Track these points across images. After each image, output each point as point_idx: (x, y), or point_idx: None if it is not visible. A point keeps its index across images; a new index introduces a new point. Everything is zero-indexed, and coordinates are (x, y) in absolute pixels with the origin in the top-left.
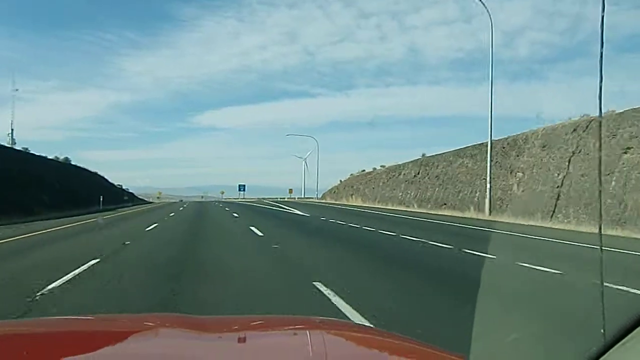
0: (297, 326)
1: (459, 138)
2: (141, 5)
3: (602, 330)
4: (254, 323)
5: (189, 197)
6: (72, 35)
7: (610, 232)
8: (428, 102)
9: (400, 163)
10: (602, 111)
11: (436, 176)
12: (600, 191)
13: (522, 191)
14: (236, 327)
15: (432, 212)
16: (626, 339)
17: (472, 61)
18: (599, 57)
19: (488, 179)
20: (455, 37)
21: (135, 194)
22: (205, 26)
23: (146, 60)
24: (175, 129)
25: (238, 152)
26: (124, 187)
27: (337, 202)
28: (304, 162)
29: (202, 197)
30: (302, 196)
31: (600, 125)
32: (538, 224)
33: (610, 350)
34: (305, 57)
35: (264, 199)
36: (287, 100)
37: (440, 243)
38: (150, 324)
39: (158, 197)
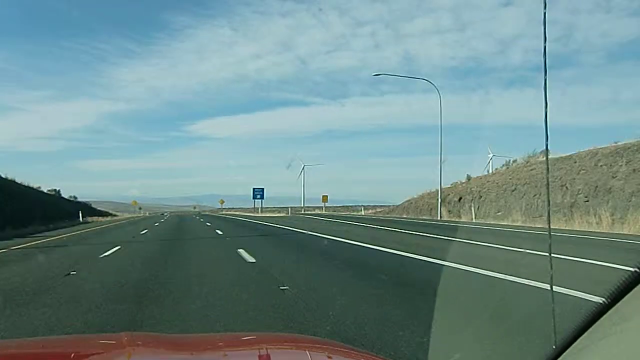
0: (274, 344)
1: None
2: (136, 14)
3: (553, 335)
4: (231, 341)
5: (181, 207)
6: (66, 44)
7: None
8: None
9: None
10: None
11: None
12: (548, 211)
13: None
14: (211, 345)
15: None
16: (576, 342)
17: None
18: (543, 83)
19: None
20: (449, 45)
21: (93, 205)
22: (199, 35)
23: (140, 69)
24: (169, 138)
25: (233, 161)
26: (78, 199)
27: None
28: (302, 170)
29: (194, 207)
30: (302, 206)
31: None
32: None
33: (562, 355)
34: (299, 65)
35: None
36: (282, 109)
37: None
38: (123, 342)
39: (140, 209)
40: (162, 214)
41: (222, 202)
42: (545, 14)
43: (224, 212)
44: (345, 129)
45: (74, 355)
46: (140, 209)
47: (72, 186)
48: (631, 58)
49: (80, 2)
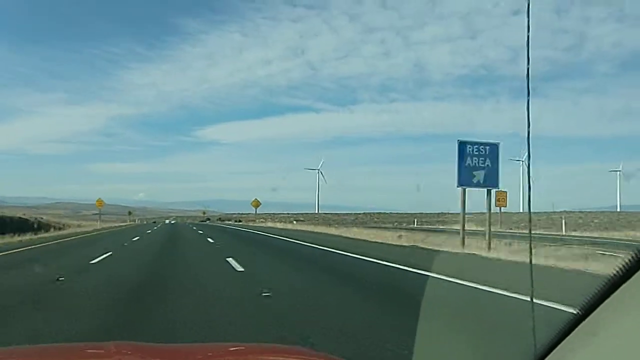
0: (265, 355)
1: None
2: (147, 19)
3: (533, 344)
4: (220, 351)
5: (188, 212)
6: (78, 48)
7: None
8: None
9: None
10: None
11: None
12: (530, 218)
13: None
14: (200, 356)
15: None
16: (553, 353)
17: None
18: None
19: None
20: (460, 53)
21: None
22: (210, 41)
23: (151, 73)
24: (179, 143)
25: (242, 167)
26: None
27: None
28: (318, 173)
29: (203, 212)
30: (317, 212)
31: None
32: None
33: None
34: (309, 71)
35: None
36: (291, 115)
37: None
38: (111, 352)
39: (130, 213)
40: (154, 222)
41: (258, 204)
42: (528, 21)
43: (252, 221)
44: (355, 135)
45: None
46: (130, 213)
47: (78, 189)
48: None
49: (92, 6)
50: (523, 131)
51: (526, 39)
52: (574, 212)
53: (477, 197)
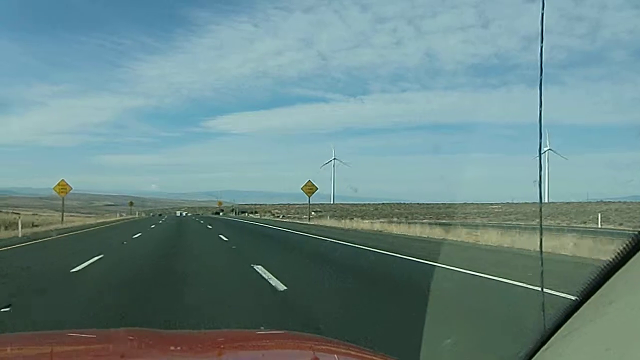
0: (274, 341)
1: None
2: (156, 9)
3: (542, 330)
4: (230, 338)
5: (200, 202)
6: (87, 40)
7: None
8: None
9: None
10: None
11: None
12: (540, 208)
13: None
14: (210, 342)
15: None
16: (552, 339)
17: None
18: (538, 91)
19: None
20: (472, 42)
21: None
22: (220, 31)
23: (161, 65)
24: (189, 134)
25: (253, 157)
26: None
27: None
28: (333, 163)
29: (220, 203)
30: (332, 202)
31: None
32: None
33: (540, 350)
34: (320, 62)
35: None
36: (301, 105)
37: None
38: (122, 338)
39: (131, 204)
40: (160, 215)
41: (312, 189)
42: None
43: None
44: (365, 126)
45: (74, 351)
46: (131, 204)
47: (90, 180)
48: None
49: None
50: (535, 120)
51: (540, 27)
52: (612, 201)
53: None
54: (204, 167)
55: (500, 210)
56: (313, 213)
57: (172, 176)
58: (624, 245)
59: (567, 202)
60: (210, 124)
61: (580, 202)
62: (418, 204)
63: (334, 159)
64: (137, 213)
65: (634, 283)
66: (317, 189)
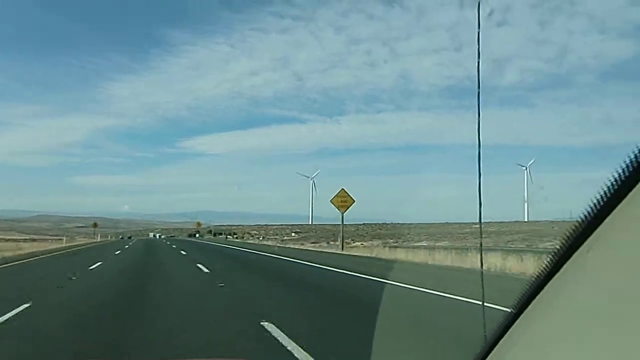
0: None
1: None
2: (132, 29)
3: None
4: None
5: (175, 224)
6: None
7: None
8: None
9: None
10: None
11: None
12: (480, 227)
13: None
14: None
15: None
16: (494, 351)
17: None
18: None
19: None
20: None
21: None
22: (196, 52)
23: (135, 85)
24: (164, 154)
25: (229, 178)
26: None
27: None
28: (311, 182)
29: (198, 224)
30: (310, 223)
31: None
32: None
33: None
34: (295, 82)
35: None
36: (277, 126)
37: None
38: None
39: (95, 226)
40: (130, 237)
41: (348, 202)
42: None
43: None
44: (341, 146)
45: None
46: (95, 226)
47: (61, 202)
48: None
49: (76, 16)
50: (508, 141)
51: (477, 41)
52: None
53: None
54: (179, 187)
55: (471, 230)
56: (293, 234)
57: (146, 197)
58: (550, 257)
59: (552, 221)
60: (185, 144)
61: (563, 220)
62: (400, 224)
63: (313, 178)
64: (108, 236)
65: (562, 292)
66: (353, 201)
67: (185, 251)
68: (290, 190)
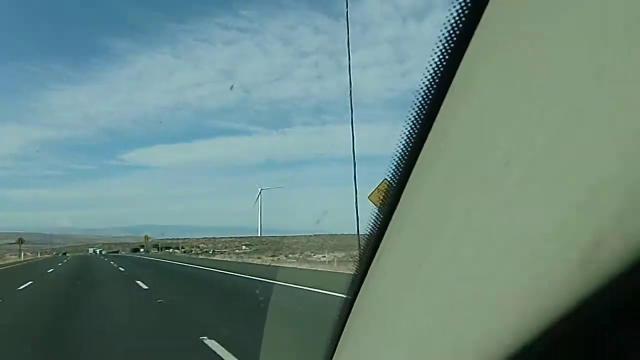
0: None
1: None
2: (73, 39)
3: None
4: None
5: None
6: None
7: None
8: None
9: None
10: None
11: None
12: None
13: None
14: None
15: None
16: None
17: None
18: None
19: None
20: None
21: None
22: (139, 62)
23: (75, 95)
24: (106, 166)
25: (173, 191)
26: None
27: None
28: (258, 195)
29: (146, 237)
30: (259, 235)
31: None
32: None
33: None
34: (242, 94)
35: None
36: (223, 138)
37: None
38: None
39: (21, 242)
40: (65, 254)
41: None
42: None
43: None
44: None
45: None
46: (21, 242)
47: None
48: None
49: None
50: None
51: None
52: None
53: None
54: (122, 201)
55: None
56: (245, 247)
57: (87, 211)
58: (366, 241)
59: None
60: (127, 156)
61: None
62: (343, 234)
63: (261, 190)
64: (38, 253)
65: (384, 271)
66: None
67: (147, 286)
68: (238, 203)
